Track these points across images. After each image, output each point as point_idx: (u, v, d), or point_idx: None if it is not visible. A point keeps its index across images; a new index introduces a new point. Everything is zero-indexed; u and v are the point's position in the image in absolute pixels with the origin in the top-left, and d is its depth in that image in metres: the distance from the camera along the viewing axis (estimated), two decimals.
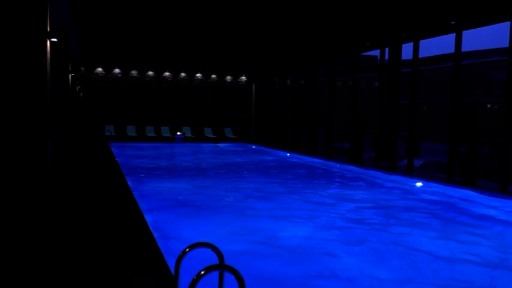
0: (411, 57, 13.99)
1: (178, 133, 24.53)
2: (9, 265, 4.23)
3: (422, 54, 14.11)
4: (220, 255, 3.10)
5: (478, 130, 12.91)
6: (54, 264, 4.26)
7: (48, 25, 7.41)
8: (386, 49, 15.36)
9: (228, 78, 26.43)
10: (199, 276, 2.61)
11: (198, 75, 25.80)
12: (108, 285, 3.82)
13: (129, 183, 9.82)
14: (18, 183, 6.90)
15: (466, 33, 12.24)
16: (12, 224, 5.73)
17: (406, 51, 14.53)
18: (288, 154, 19.79)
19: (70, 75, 13.96)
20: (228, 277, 2.86)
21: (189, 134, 25.04)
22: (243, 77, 26.68)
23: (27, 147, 6.96)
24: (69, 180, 9.38)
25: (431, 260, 5.94)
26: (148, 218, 6.57)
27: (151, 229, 5.66)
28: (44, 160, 7.11)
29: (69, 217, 6.23)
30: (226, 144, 24.57)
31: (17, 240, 5.05)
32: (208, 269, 2.65)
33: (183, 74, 25.54)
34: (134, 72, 24.75)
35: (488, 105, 15.47)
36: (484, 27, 11.90)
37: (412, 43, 13.98)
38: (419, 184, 11.81)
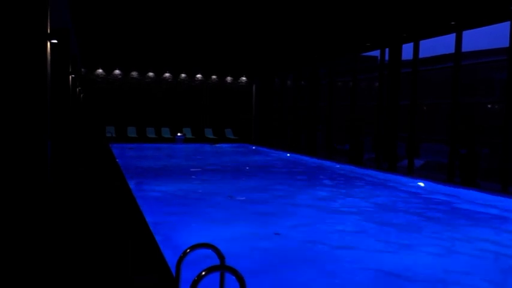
0: (411, 58, 13.99)
1: (179, 134, 24.51)
2: (10, 265, 4.22)
3: (422, 54, 14.11)
4: (221, 256, 3.09)
5: (478, 130, 12.89)
6: (54, 264, 4.25)
7: (49, 27, 7.41)
8: (387, 49, 15.35)
9: (228, 79, 26.41)
10: (200, 277, 2.61)
11: (199, 76, 25.79)
12: (108, 285, 3.81)
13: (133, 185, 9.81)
14: (19, 183, 6.90)
15: (466, 34, 12.24)
16: (12, 224, 5.73)
17: (406, 51, 14.54)
18: (288, 155, 19.77)
19: (70, 77, 13.95)
20: (229, 278, 2.85)
21: (189, 135, 25.01)
22: (243, 78, 26.67)
23: (28, 147, 6.95)
24: (69, 180, 9.38)
25: (432, 259, 5.94)
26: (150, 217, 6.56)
27: (152, 229, 5.66)
28: (44, 160, 7.11)
29: (69, 217, 6.23)
30: (226, 145, 24.56)
31: (17, 240, 5.04)
32: (209, 270, 2.65)
33: (183, 75, 25.53)
34: (134, 73, 24.74)
35: (489, 106, 15.46)
36: (484, 27, 11.90)
37: (412, 43, 13.98)
38: (421, 184, 11.80)
